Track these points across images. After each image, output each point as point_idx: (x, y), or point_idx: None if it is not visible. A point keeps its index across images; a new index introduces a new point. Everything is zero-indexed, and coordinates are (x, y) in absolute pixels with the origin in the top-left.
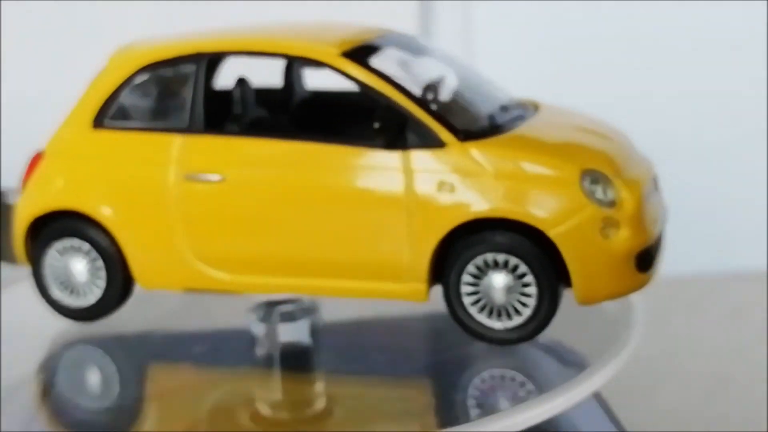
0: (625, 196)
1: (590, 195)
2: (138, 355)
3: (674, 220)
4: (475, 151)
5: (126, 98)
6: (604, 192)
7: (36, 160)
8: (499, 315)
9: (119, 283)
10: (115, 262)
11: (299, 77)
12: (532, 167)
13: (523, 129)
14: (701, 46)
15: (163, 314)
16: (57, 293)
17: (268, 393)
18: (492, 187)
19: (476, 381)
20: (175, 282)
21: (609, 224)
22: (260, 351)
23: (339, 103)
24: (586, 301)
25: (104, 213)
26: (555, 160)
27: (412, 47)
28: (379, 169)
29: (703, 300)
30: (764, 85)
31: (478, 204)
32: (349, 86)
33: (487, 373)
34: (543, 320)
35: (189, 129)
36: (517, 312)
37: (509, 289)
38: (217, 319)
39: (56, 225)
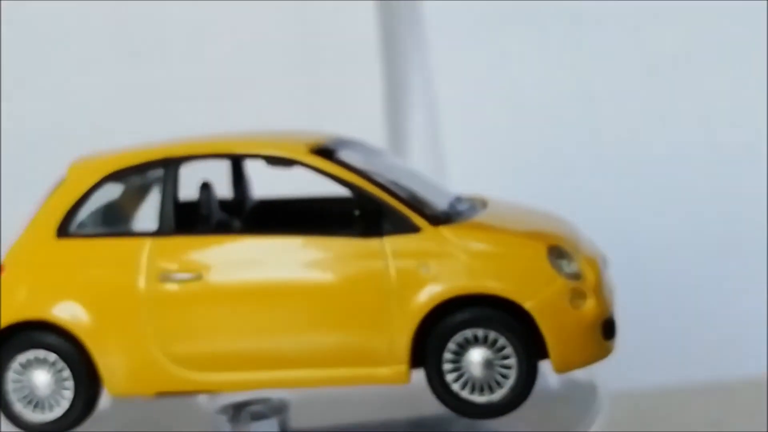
0: (586, 269)
1: (558, 269)
2: None
3: (670, 328)
4: (448, 233)
5: (91, 206)
6: (569, 266)
7: None
8: (482, 390)
9: (87, 393)
10: (83, 372)
11: (247, 187)
12: (502, 246)
13: (482, 217)
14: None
15: (127, 423)
16: (20, 409)
17: None
18: (467, 266)
19: None
20: (147, 386)
21: (576, 295)
22: None
23: (289, 208)
24: (563, 369)
25: (72, 321)
26: (522, 239)
27: (364, 150)
28: (356, 256)
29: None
30: (764, 187)
31: (457, 282)
32: (295, 190)
33: None
34: (525, 391)
35: (160, 232)
36: (499, 385)
37: (489, 364)
38: (184, 424)
39: (19, 337)
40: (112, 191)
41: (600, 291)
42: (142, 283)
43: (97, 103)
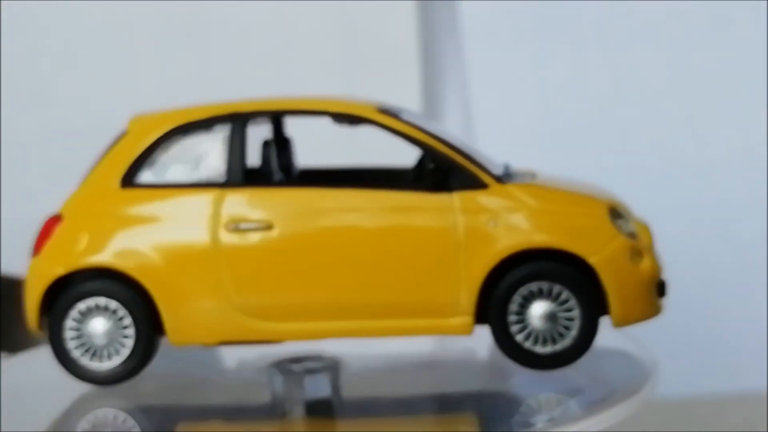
0: (640, 231)
1: (618, 227)
2: (160, 414)
3: (675, 341)
4: (514, 190)
5: (156, 158)
6: (627, 225)
7: (52, 223)
8: (545, 341)
9: (146, 342)
10: (145, 320)
11: (292, 155)
12: (566, 204)
13: (539, 181)
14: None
15: (177, 374)
16: (80, 358)
17: None
18: (534, 222)
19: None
20: (212, 335)
21: (635, 253)
22: (282, 407)
23: (333, 176)
24: (622, 323)
25: (138, 268)
26: (584, 198)
27: (418, 116)
28: (426, 210)
29: (703, 422)
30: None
31: (524, 237)
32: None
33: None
34: (586, 343)
35: (229, 183)
36: (561, 337)
37: (553, 316)
38: (238, 375)
39: (80, 285)
40: (178, 144)
41: (653, 251)
42: (213, 232)
43: (141, 98)
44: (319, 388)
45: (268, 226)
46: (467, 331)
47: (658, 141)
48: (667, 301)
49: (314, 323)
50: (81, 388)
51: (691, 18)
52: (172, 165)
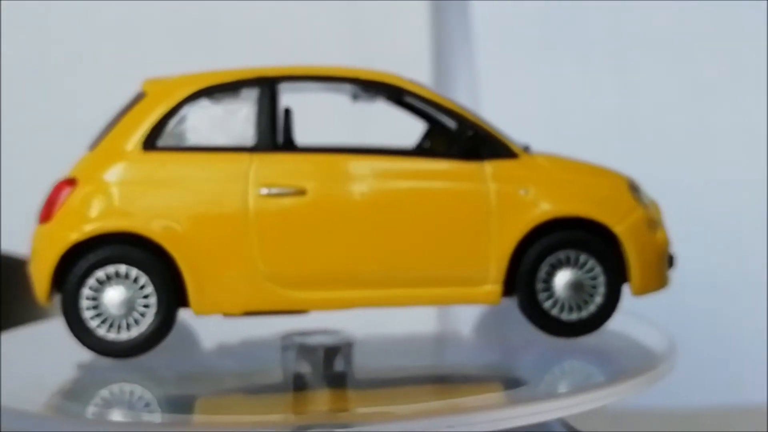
0: (651, 205)
1: (637, 199)
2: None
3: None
4: (543, 161)
5: (179, 120)
6: (643, 198)
7: (63, 187)
8: (570, 309)
9: (167, 312)
10: (167, 288)
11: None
12: (591, 176)
13: (556, 156)
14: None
15: (188, 353)
16: (97, 329)
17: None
18: (563, 191)
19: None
20: (238, 305)
21: (653, 224)
22: (300, 380)
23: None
24: (641, 291)
25: (164, 234)
26: (605, 171)
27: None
28: (461, 177)
29: None
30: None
31: (554, 205)
32: None
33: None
34: (610, 310)
35: (258, 147)
36: (587, 304)
37: (580, 284)
38: (250, 348)
39: (98, 252)
40: (202, 107)
41: (664, 224)
42: (243, 197)
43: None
44: (335, 362)
45: (300, 192)
46: (496, 300)
47: (665, 153)
48: (672, 313)
49: (342, 292)
50: (88, 361)
51: (701, 32)
52: (197, 128)
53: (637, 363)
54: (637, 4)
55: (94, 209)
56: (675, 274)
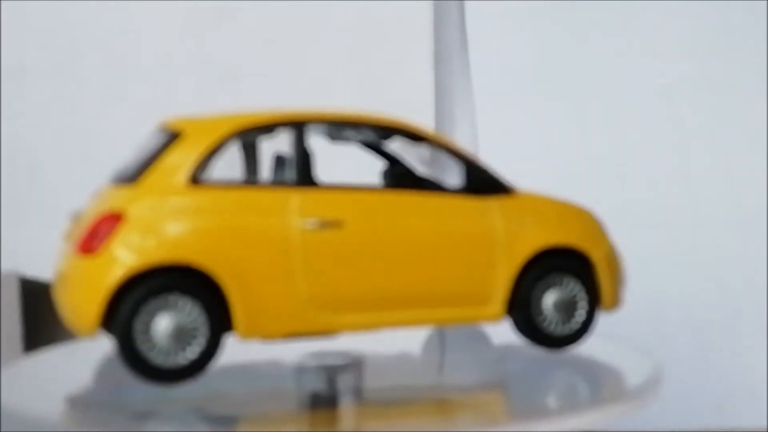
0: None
1: (604, 231)
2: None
3: (673, 375)
4: (531, 198)
5: (221, 157)
6: (606, 232)
7: (111, 221)
8: (555, 325)
9: (216, 338)
10: (216, 316)
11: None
12: (570, 211)
13: (535, 193)
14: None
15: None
16: (152, 357)
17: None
18: (553, 224)
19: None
20: (281, 328)
21: (615, 252)
22: (310, 400)
23: None
24: (610, 308)
25: (214, 263)
26: (580, 206)
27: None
28: (474, 212)
29: None
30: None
31: (548, 236)
32: None
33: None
34: (590, 326)
35: (300, 183)
36: (570, 320)
37: (566, 304)
38: (261, 372)
39: (151, 282)
40: (240, 146)
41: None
42: (286, 228)
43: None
44: (348, 382)
45: (339, 224)
46: (499, 318)
47: (653, 193)
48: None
49: (372, 314)
50: (113, 381)
51: (691, 78)
52: (237, 165)
53: (625, 386)
54: (629, 54)
55: (146, 241)
56: (661, 307)
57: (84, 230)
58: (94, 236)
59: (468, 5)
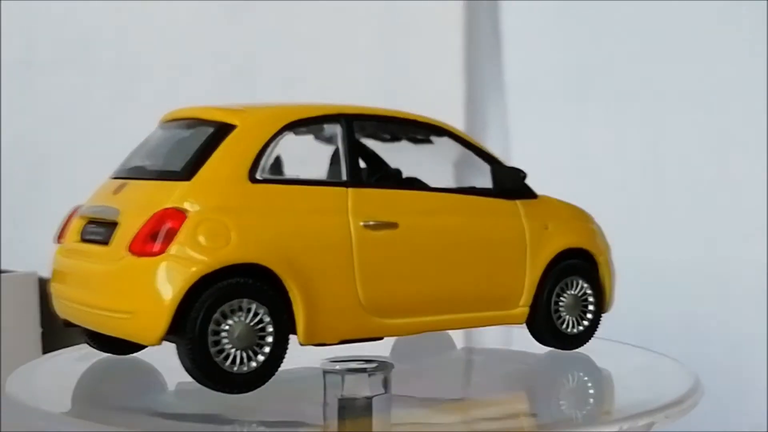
0: None
1: (604, 235)
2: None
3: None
4: (551, 202)
5: (273, 154)
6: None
7: (169, 218)
8: (570, 325)
9: (282, 343)
10: (282, 320)
11: None
12: (580, 214)
13: (551, 197)
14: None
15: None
16: (224, 365)
17: None
18: (570, 228)
19: None
20: (337, 333)
21: (611, 256)
22: (335, 407)
23: None
24: (608, 308)
25: (280, 264)
26: (583, 210)
27: None
28: (508, 215)
29: None
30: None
31: (567, 239)
32: None
33: None
34: (597, 325)
35: (352, 182)
36: (582, 320)
37: (579, 304)
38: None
39: (224, 284)
40: (290, 141)
41: None
42: (346, 228)
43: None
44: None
45: (393, 225)
46: (524, 320)
47: (693, 200)
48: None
49: (418, 318)
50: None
51: (731, 83)
52: (289, 162)
53: (663, 398)
54: (665, 57)
55: (215, 241)
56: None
57: (136, 230)
58: (154, 236)
59: (502, 6)
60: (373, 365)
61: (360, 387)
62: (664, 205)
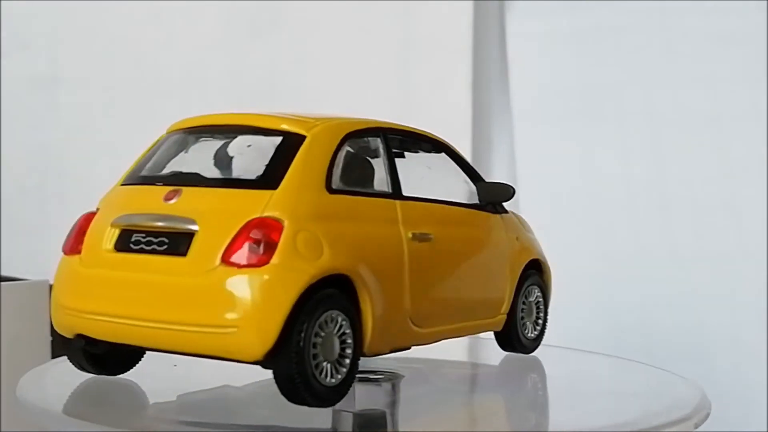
0: None
1: None
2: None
3: None
4: (515, 217)
5: (338, 166)
6: None
7: (273, 230)
8: (529, 329)
9: (358, 354)
10: (358, 331)
11: None
12: (527, 226)
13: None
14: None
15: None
16: (320, 379)
17: None
18: (529, 238)
19: None
20: (390, 342)
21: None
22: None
23: None
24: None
25: (360, 275)
26: (528, 223)
27: None
28: (497, 228)
29: None
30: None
31: (532, 250)
32: None
33: None
34: (546, 326)
35: (395, 195)
36: (536, 325)
37: (532, 310)
38: None
39: (322, 294)
40: (348, 153)
41: None
42: (400, 240)
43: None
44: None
45: (429, 237)
46: (501, 327)
47: (700, 223)
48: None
49: (440, 327)
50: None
51: (739, 107)
52: (349, 174)
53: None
54: (669, 81)
55: (312, 251)
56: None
57: (227, 240)
58: (253, 246)
59: (509, 26)
60: (381, 375)
61: (373, 398)
62: (670, 224)
